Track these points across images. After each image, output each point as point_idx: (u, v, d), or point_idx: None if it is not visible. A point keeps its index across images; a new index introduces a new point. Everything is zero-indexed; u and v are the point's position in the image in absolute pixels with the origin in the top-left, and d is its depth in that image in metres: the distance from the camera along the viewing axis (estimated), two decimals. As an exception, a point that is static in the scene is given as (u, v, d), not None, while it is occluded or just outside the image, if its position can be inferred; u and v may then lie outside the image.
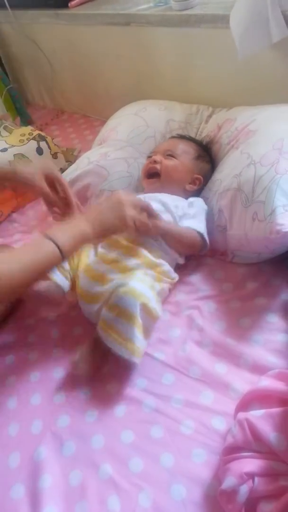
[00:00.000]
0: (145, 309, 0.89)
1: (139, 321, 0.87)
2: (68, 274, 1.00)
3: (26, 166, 1.04)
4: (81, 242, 0.87)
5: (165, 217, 1.06)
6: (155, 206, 1.08)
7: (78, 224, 0.88)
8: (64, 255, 0.82)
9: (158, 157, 1.17)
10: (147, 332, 0.91)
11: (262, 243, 0.96)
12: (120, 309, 0.87)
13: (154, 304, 0.91)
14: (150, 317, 0.91)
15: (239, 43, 1.13)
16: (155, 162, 1.17)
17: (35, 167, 1.03)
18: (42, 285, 0.95)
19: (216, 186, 1.13)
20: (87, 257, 1.04)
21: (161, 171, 1.16)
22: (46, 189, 1.03)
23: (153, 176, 1.17)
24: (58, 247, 0.81)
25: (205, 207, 1.11)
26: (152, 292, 0.93)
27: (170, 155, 1.18)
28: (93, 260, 1.02)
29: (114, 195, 0.95)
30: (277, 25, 1.06)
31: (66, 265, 1.00)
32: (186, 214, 1.09)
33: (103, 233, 0.91)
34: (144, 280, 0.93)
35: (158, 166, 1.16)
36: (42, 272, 0.83)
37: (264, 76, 1.25)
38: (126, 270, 0.97)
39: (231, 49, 1.16)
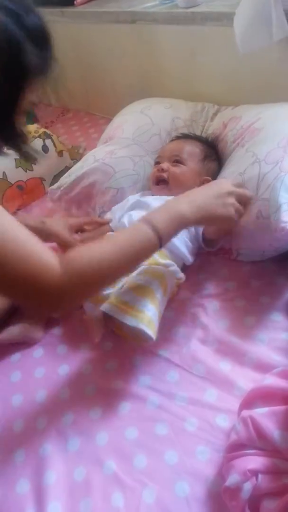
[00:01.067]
0: (164, 287, 0.90)
1: (155, 295, 0.87)
2: None
3: (53, 223, 1.06)
4: (179, 226, 0.82)
5: None
6: None
7: (177, 206, 0.83)
8: (161, 241, 0.78)
9: (165, 165, 1.16)
10: (160, 312, 0.90)
11: (266, 241, 0.96)
12: (136, 284, 0.87)
13: (168, 286, 0.92)
14: (163, 296, 0.91)
15: (240, 39, 1.13)
16: (162, 170, 1.16)
17: (62, 224, 1.05)
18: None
19: (221, 184, 1.13)
20: None
21: (169, 179, 1.15)
22: (72, 241, 1.05)
23: (161, 182, 1.17)
24: (157, 233, 0.76)
25: None
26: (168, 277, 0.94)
27: (177, 161, 1.17)
28: None
29: (224, 182, 0.91)
30: (279, 23, 1.06)
31: None
32: None
33: (203, 220, 0.87)
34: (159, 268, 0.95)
35: (165, 175, 1.15)
36: (137, 260, 0.78)
37: (270, 74, 1.24)
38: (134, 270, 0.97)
39: (236, 47, 1.16)
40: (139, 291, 0.87)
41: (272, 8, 1.04)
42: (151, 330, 0.84)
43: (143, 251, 0.77)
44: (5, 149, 0.70)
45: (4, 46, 0.58)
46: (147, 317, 0.85)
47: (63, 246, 1.05)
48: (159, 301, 0.88)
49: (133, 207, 1.15)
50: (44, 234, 1.02)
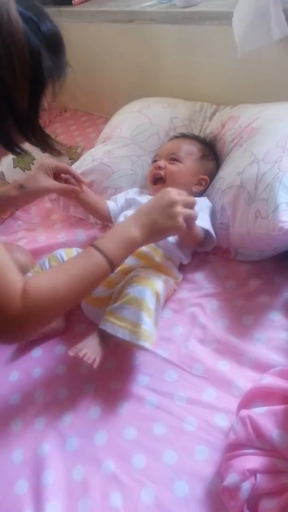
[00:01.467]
0: (156, 295, 0.89)
1: (148, 306, 0.87)
2: None
3: (26, 177, 1.05)
4: (130, 249, 0.84)
5: None
6: None
7: (126, 230, 0.85)
8: (113, 265, 0.79)
9: (162, 163, 1.16)
10: (156, 320, 0.90)
11: (264, 241, 0.96)
12: (128, 297, 0.87)
13: (162, 290, 0.92)
14: (158, 303, 0.90)
15: (239, 38, 1.13)
16: (159, 168, 1.16)
17: (42, 177, 1.03)
18: None
19: (219, 184, 1.13)
20: None
21: (165, 177, 1.15)
22: (56, 184, 1.03)
23: (158, 181, 1.17)
24: (107, 258, 0.78)
25: (210, 204, 1.11)
26: (160, 281, 0.93)
27: (174, 159, 1.17)
28: None
29: (166, 194, 0.90)
30: (278, 22, 1.06)
31: None
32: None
33: (154, 238, 0.89)
34: (151, 274, 0.94)
35: (162, 172, 1.15)
36: (91, 285, 0.80)
37: (268, 73, 1.24)
38: (130, 271, 0.97)
39: (235, 46, 1.15)
40: (133, 303, 0.87)
41: (271, 7, 1.04)
42: (148, 343, 0.85)
43: (96, 277, 0.78)
44: (24, 146, 0.73)
45: (26, 53, 0.60)
46: (145, 332, 0.85)
47: (61, 194, 1.07)
48: (153, 311, 0.88)
49: (129, 204, 1.15)
50: (30, 196, 1.04)
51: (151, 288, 0.89)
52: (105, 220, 1.18)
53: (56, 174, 1.06)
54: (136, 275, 0.92)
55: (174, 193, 0.90)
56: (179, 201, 0.88)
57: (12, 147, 0.69)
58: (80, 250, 1.05)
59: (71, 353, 0.85)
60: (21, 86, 0.62)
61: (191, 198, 0.94)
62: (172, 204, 0.88)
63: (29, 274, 1.01)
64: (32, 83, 0.63)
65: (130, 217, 0.88)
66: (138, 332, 0.84)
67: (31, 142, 0.71)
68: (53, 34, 0.66)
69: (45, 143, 0.76)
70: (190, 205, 0.93)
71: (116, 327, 0.85)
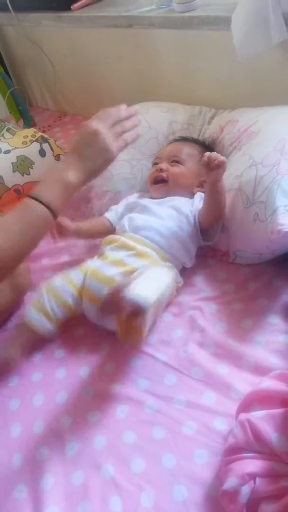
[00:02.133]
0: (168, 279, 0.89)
1: (161, 285, 0.86)
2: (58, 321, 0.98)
3: None
4: (68, 193, 0.80)
5: (179, 221, 1.06)
6: (167, 211, 1.08)
7: (59, 174, 0.80)
8: (54, 213, 0.76)
9: (164, 165, 1.16)
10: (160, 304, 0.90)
11: (263, 244, 0.97)
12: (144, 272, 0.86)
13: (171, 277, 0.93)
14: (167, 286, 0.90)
15: (238, 43, 1.13)
16: (161, 170, 1.16)
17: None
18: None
19: (218, 187, 1.13)
20: (90, 264, 1.03)
21: (168, 179, 1.15)
22: None
23: (159, 181, 1.17)
24: (49, 208, 0.75)
25: None
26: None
27: (176, 161, 1.17)
28: (99, 263, 1.01)
29: (87, 128, 0.84)
30: (277, 26, 1.06)
31: (58, 311, 0.97)
32: (200, 202, 1.10)
33: (91, 176, 0.84)
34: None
35: (164, 175, 1.15)
36: (36, 238, 0.77)
37: (266, 77, 1.25)
38: (134, 272, 0.97)
39: (233, 51, 1.16)
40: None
41: (270, 11, 1.04)
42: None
43: (39, 229, 0.76)
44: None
45: None
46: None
47: None
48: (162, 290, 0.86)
49: (131, 207, 1.15)
50: None
51: (164, 272, 0.89)
52: (110, 233, 1.13)
53: None
54: (147, 265, 0.91)
55: (94, 121, 0.84)
56: (101, 129, 0.83)
57: None
58: (76, 271, 1.02)
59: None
60: None
61: (117, 109, 0.88)
62: (95, 132, 0.82)
63: (31, 312, 0.96)
64: None
65: (61, 161, 0.85)
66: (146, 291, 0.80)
67: None
68: None
69: None
70: (116, 120, 0.87)
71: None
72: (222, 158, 0.96)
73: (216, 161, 0.96)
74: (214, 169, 0.97)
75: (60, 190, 0.78)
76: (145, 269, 0.87)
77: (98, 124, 0.84)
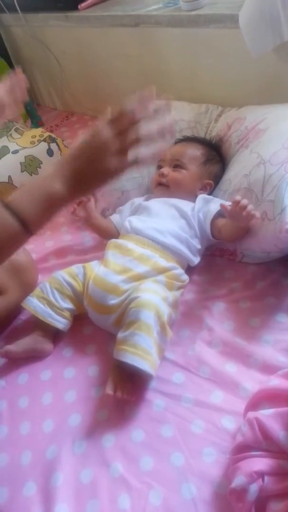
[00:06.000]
0: (160, 323, 0.88)
1: (153, 333, 0.86)
2: (66, 313, 1.00)
3: None
4: (52, 207, 0.67)
5: (180, 222, 1.07)
6: (170, 211, 1.09)
7: (45, 184, 0.67)
8: (28, 227, 0.63)
9: (166, 170, 1.17)
10: (161, 350, 0.89)
11: (271, 242, 0.96)
12: (134, 323, 0.87)
13: (167, 319, 0.91)
14: (163, 333, 0.89)
15: (250, 41, 1.13)
16: (163, 175, 1.16)
17: None
18: (24, 345, 0.97)
19: (226, 186, 1.13)
20: (93, 268, 1.04)
21: (169, 184, 1.16)
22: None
23: (162, 184, 1.17)
24: (19, 218, 0.62)
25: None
26: (165, 305, 0.92)
27: (178, 165, 1.17)
28: (102, 271, 1.01)
29: (96, 137, 0.70)
30: (288, 23, 1.05)
31: (63, 303, 0.99)
32: (206, 204, 1.10)
33: (82, 193, 0.72)
34: (156, 292, 0.92)
35: (165, 180, 1.16)
36: (2, 252, 0.65)
37: (273, 75, 1.24)
38: (138, 278, 0.97)
39: (240, 48, 1.16)
40: (141, 329, 0.86)
41: (280, 8, 1.04)
42: (153, 370, 0.86)
43: (4, 242, 0.64)
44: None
45: None
46: (153, 360, 0.86)
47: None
48: (157, 341, 0.87)
49: (135, 210, 1.15)
50: None
51: (155, 313, 0.88)
52: (114, 237, 1.13)
53: None
54: (138, 297, 0.90)
55: (106, 131, 0.70)
56: (110, 145, 0.69)
57: None
58: (79, 266, 1.04)
59: (109, 392, 0.84)
60: None
61: (139, 105, 0.74)
62: (102, 150, 0.69)
63: (30, 298, 1.00)
64: None
65: (52, 167, 0.69)
66: (149, 360, 0.84)
67: None
68: None
69: None
70: (135, 131, 0.71)
71: (129, 354, 0.84)
72: (251, 212, 0.92)
73: (245, 213, 0.92)
74: (241, 219, 0.95)
75: (41, 202, 0.65)
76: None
77: (110, 136, 0.70)
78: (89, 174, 0.69)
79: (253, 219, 0.95)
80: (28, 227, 0.64)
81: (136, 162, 0.72)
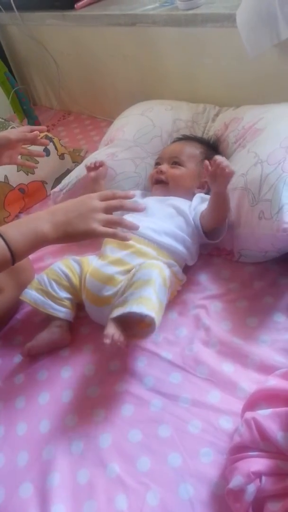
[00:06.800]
0: (162, 276, 0.89)
1: (155, 287, 0.86)
2: (66, 302, 1.00)
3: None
4: (37, 245, 0.79)
5: (178, 221, 1.06)
6: (167, 209, 1.09)
7: (38, 224, 0.79)
8: (14, 257, 0.75)
9: (164, 167, 1.17)
10: (162, 305, 0.88)
11: (268, 242, 0.96)
12: (136, 282, 0.87)
13: (168, 275, 0.92)
14: (164, 285, 0.89)
15: (247, 41, 1.13)
16: (161, 172, 1.16)
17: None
18: (42, 339, 0.97)
19: (223, 185, 1.13)
20: (91, 262, 1.04)
21: (167, 181, 1.16)
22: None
23: (160, 183, 1.17)
24: (10, 249, 0.74)
25: None
26: (166, 267, 0.94)
27: (176, 163, 1.17)
28: (99, 263, 1.02)
29: (88, 200, 0.85)
30: (285, 22, 1.05)
31: (61, 293, 1.00)
32: (201, 203, 1.10)
33: (65, 240, 0.83)
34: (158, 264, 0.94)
35: (163, 177, 1.16)
36: None
37: (271, 74, 1.24)
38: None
39: (237, 48, 1.16)
40: (139, 285, 0.86)
41: (277, 7, 1.04)
42: (154, 313, 0.83)
43: None
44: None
45: None
46: (151, 303, 0.84)
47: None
48: (158, 291, 0.87)
49: None
50: None
51: (159, 271, 0.89)
52: None
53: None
54: (142, 263, 0.92)
55: (95, 201, 0.85)
56: (98, 209, 0.83)
57: None
58: (76, 258, 1.05)
59: (107, 340, 0.82)
60: None
61: (115, 202, 0.87)
62: (91, 210, 0.83)
63: (28, 290, 1.00)
64: None
65: (46, 211, 0.83)
66: (148, 304, 0.83)
67: None
68: None
69: None
70: (115, 208, 0.87)
71: (128, 305, 0.83)
72: (231, 169, 0.93)
73: (226, 170, 0.92)
74: (220, 178, 0.95)
75: (30, 238, 0.77)
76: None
77: (98, 204, 0.84)
78: (74, 226, 0.81)
79: (229, 177, 0.94)
80: (14, 256, 0.75)
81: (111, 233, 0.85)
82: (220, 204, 1.01)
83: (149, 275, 0.88)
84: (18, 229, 0.77)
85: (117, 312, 0.84)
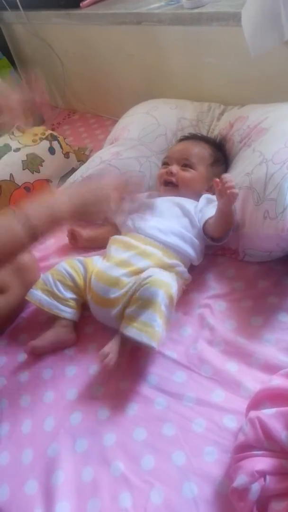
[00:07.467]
0: (168, 296, 0.90)
1: (161, 308, 0.88)
2: (71, 302, 1.01)
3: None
4: (57, 224, 0.81)
5: (183, 222, 1.06)
6: (173, 209, 1.09)
7: (57, 202, 0.82)
8: (36, 237, 0.77)
9: (174, 168, 1.15)
10: (167, 322, 0.91)
11: (273, 241, 0.96)
12: (143, 300, 0.88)
13: (175, 291, 0.93)
14: (171, 305, 0.91)
15: (250, 40, 1.12)
16: (171, 174, 1.15)
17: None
18: (48, 338, 0.98)
19: (228, 185, 1.13)
20: (95, 263, 1.04)
21: (178, 183, 1.15)
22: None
23: (169, 184, 1.16)
24: (31, 229, 0.75)
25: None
26: (174, 283, 0.95)
27: (187, 165, 1.16)
28: (104, 265, 1.01)
29: (105, 184, 0.89)
30: (289, 22, 1.05)
31: (67, 293, 1.01)
32: (207, 204, 1.10)
33: (80, 218, 0.85)
34: (166, 275, 0.95)
35: (174, 179, 1.15)
36: (7, 254, 0.77)
37: (276, 73, 1.24)
38: (140, 272, 0.97)
39: (242, 47, 1.15)
40: (147, 306, 0.88)
41: (282, 6, 1.03)
42: (156, 343, 0.87)
43: (10, 244, 0.76)
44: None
45: None
46: (157, 334, 0.87)
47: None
48: (164, 313, 0.89)
49: None
50: None
51: (165, 290, 0.90)
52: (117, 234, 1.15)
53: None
54: (149, 276, 0.92)
55: (112, 183, 0.89)
56: (113, 194, 0.87)
57: None
58: (81, 259, 1.05)
59: (100, 358, 0.87)
60: None
61: (131, 184, 0.91)
62: (107, 196, 0.86)
63: (33, 290, 1.01)
64: None
65: (65, 192, 0.89)
66: (150, 332, 0.86)
67: None
68: None
69: None
70: (132, 189, 0.91)
71: (133, 328, 0.87)
72: (235, 190, 0.93)
73: (230, 191, 0.92)
74: (225, 197, 0.94)
75: (48, 214, 0.79)
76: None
77: (114, 188, 0.87)
78: (89, 206, 0.85)
79: (233, 199, 0.94)
80: (32, 233, 0.75)
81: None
82: (224, 219, 1.01)
83: (155, 295, 0.88)
84: (38, 209, 0.78)
85: (123, 329, 0.88)
